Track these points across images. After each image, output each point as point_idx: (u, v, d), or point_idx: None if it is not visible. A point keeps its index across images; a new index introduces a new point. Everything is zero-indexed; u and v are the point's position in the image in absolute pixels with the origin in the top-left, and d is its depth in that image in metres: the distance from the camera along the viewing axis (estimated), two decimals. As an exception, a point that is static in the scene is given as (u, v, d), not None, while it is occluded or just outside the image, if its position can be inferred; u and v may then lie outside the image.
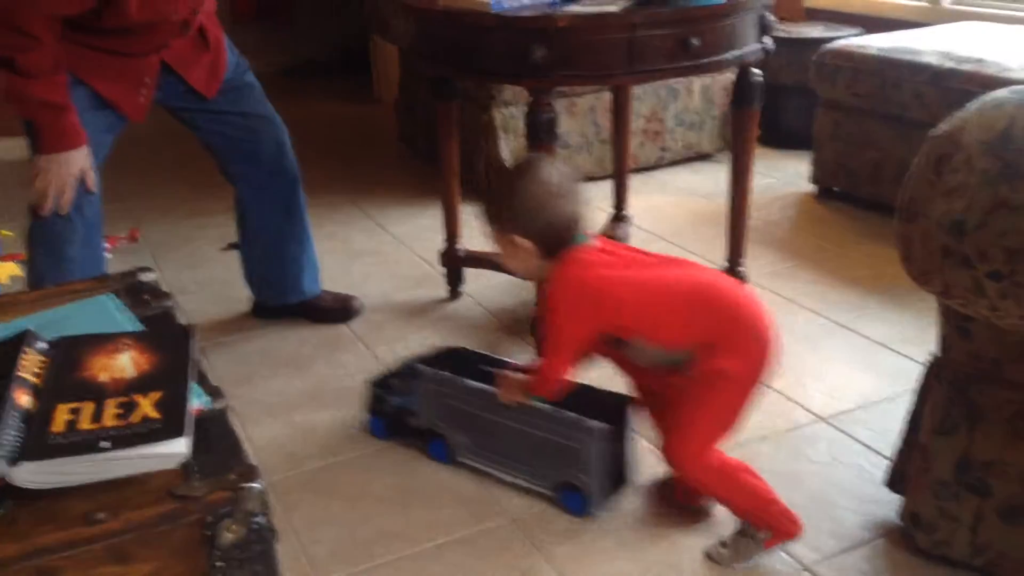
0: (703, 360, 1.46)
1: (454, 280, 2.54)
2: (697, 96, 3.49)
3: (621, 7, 1.90)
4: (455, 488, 1.75)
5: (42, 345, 0.82)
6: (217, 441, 0.78)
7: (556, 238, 1.53)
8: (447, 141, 2.42)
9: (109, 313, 0.95)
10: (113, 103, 2.02)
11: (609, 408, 1.66)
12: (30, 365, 0.78)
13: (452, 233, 2.48)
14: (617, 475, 1.69)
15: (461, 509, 1.69)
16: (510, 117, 3.22)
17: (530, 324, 2.21)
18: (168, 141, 3.40)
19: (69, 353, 0.81)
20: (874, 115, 2.89)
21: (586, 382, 1.70)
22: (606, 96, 3.29)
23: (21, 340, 0.81)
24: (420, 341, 2.30)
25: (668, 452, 1.52)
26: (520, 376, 1.64)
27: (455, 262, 2.50)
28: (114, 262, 2.65)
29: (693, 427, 1.48)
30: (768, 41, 2.10)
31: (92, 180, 1.99)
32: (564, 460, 1.64)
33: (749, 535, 1.52)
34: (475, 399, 1.72)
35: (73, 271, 2.03)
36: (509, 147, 3.25)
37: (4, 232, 2.61)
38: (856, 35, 3.39)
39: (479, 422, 1.73)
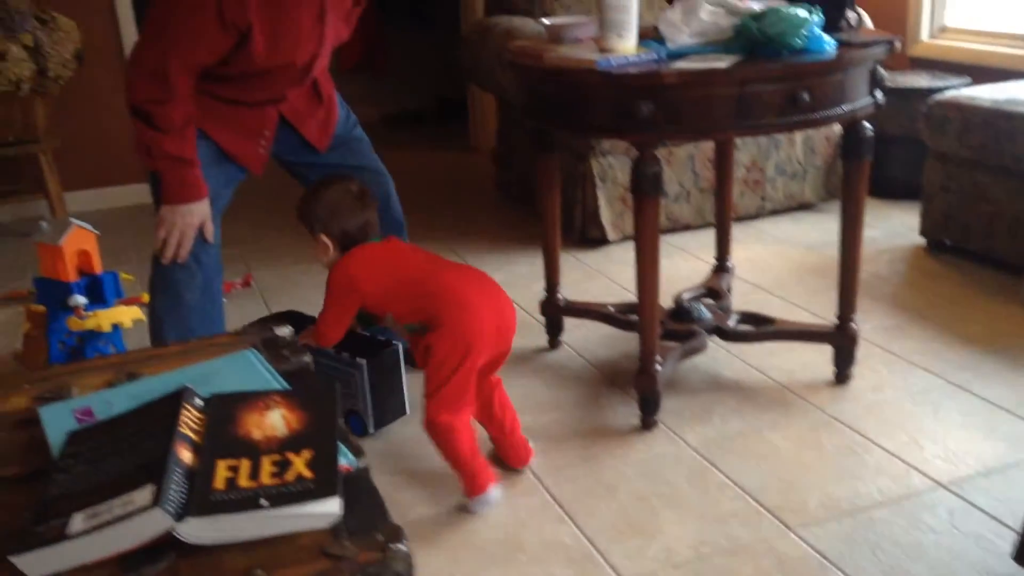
0: (426, 335, 1.84)
1: (554, 329, 2.55)
2: (799, 146, 3.45)
3: (729, 62, 1.90)
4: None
5: (199, 401, 0.87)
6: (363, 500, 0.80)
7: (351, 239, 1.99)
8: (548, 192, 2.45)
9: (255, 368, 0.99)
10: (235, 156, 2.11)
11: (379, 351, 2.15)
12: (189, 421, 0.82)
13: (552, 283, 2.50)
14: (396, 406, 2.19)
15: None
16: (608, 167, 3.25)
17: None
18: (276, 190, 3.52)
19: (224, 410, 0.85)
20: (987, 167, 2.81)
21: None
22: (705, 145, 3.28)
23: (180, 396, 0.85)
24: (520, 389, 2.32)
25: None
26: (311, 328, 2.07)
27: (555, 311, 2.51)
28: (229, 307, 2.74)
29: (430, 385, 1.83)
30: (879, 95, 2.07)
31: (210, 231, 2.08)
32: (347, 391, 2.13)
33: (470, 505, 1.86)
34: None
35: (191, 316, 2.12)
36: (606, 196, 3.27)
37: (125, 276, 2.74)
38: (963, 85, 3.32)
39: None
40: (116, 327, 2.56)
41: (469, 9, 4.65)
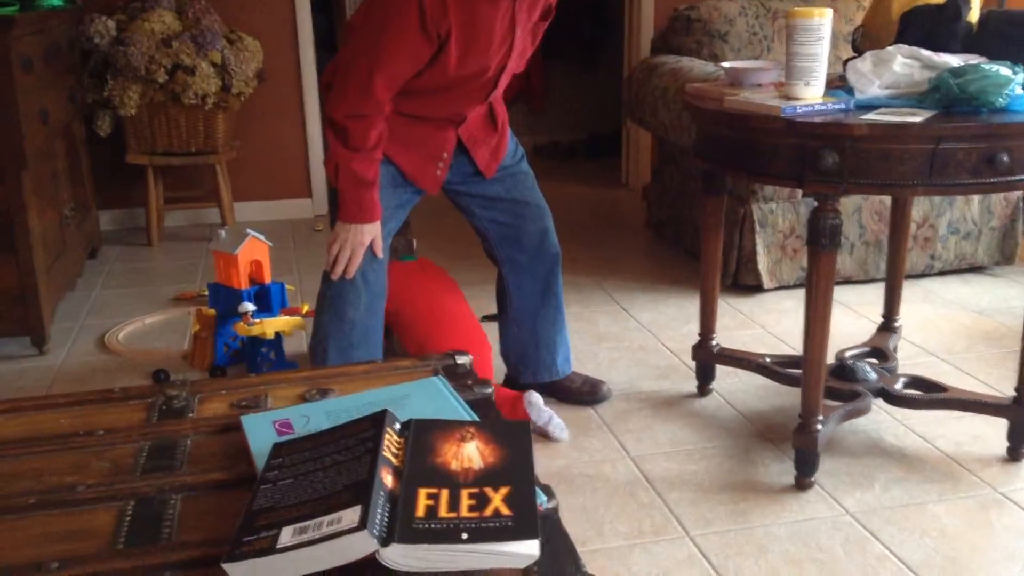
0: None
1: (705, 376, 2.50)
2: (975, 205, 3.28)
3: (923, 117, 1.82)
4: None
5: (398, 426, 0.88)
6: (554, 542, 0.79)
7: None
8: (711, 235, 2.40)
9: (444, 396, 1.00)
10: (413, 178, 2.17)
11: None
12: (390, 445, 0.84)
13: (708, 328, 2.44)
14: None
15: None
16: (768, 212, 3.17)
17: None
18: (429, 214, 3.59)
19: (422, 437, 0.86)
20: None
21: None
22: (874, 197, 3.16)
23: (382, 419, 0.87)
24: (668, 435, 2.27)
25: None
26: None
27: (708, 358, 2.46)
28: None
29: None
30: (1084, 158, 1.94)
31: (379, 250, 2.14)
32: None
33: None
34: None
35: (353, 332, 2.18)
36: (765, 242, 3.19)
37: (288, 287, 2.86)
38: None
39: None
40: (278, 335, 2.67)
41: (633, 48, 4.66)
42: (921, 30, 2.15)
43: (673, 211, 3.77)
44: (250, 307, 2.62)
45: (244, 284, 2.64)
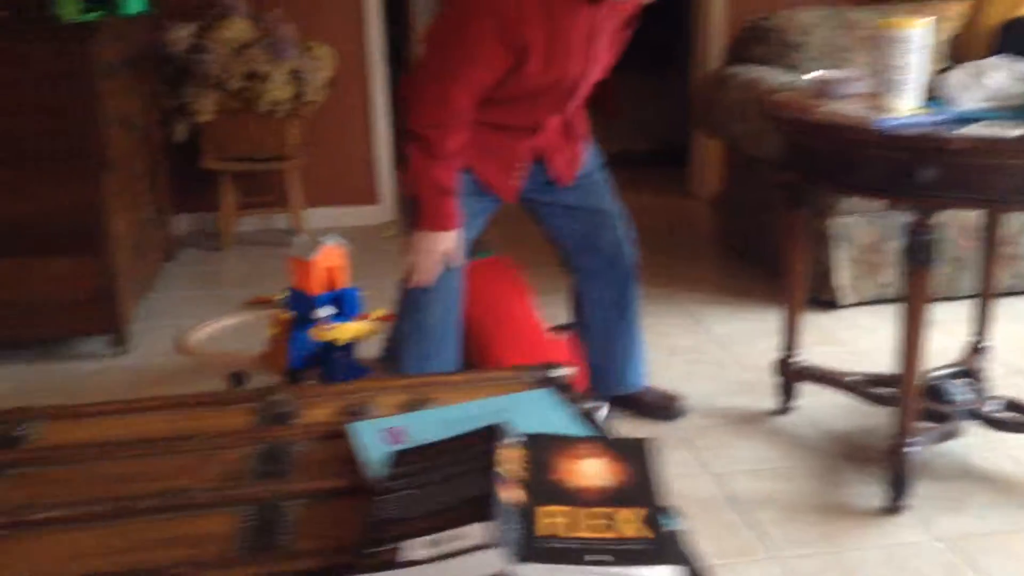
0: None
1: (787, 393, 2.44)
2: (1065, 222, 3.16)
3: (1022, 130, 1.76)
4: None
5: (513, 440, 0.86)
6: (688, 566, 0.76)
7: None
8: (793, 249, 2.35)
9: (554, 409, 0.98)
10: (492, 187, 2.16)
11: None
12: (508, 459, 0.82)
13: (791, 344, 2.38)
14: None
15: None
16: (848, 226, 3.10)
17: None
18: (498, 221, 3.59)
19: (540, 451, 0.84)
20: None
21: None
22: (962, 213, 3.07)
23: (496, 432, 0.85)
24: (749, 452, 2.22)
25: None
26: None
27: (791, 375, 2.40)
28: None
29: None
30: None
31: (458, 259, 2.13)
32: None
33: None
34: None
35: (430, 340, 2.17)
36: (844, 257, 3.11)
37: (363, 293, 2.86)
38: None
39: None
40: (352, 341, 2.68)
41: (702, 58, 4.61)
42: (1021, 41, 2.07)
43: (745, 222, 3.71)
44: (325, 313, 2.63)
45: (319, 290, 2.65)
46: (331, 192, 4.40)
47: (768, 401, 2.48)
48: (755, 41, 3.66)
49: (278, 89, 3.77)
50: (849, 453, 2.22)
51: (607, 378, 2.45)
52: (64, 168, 2.68)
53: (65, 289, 2.76)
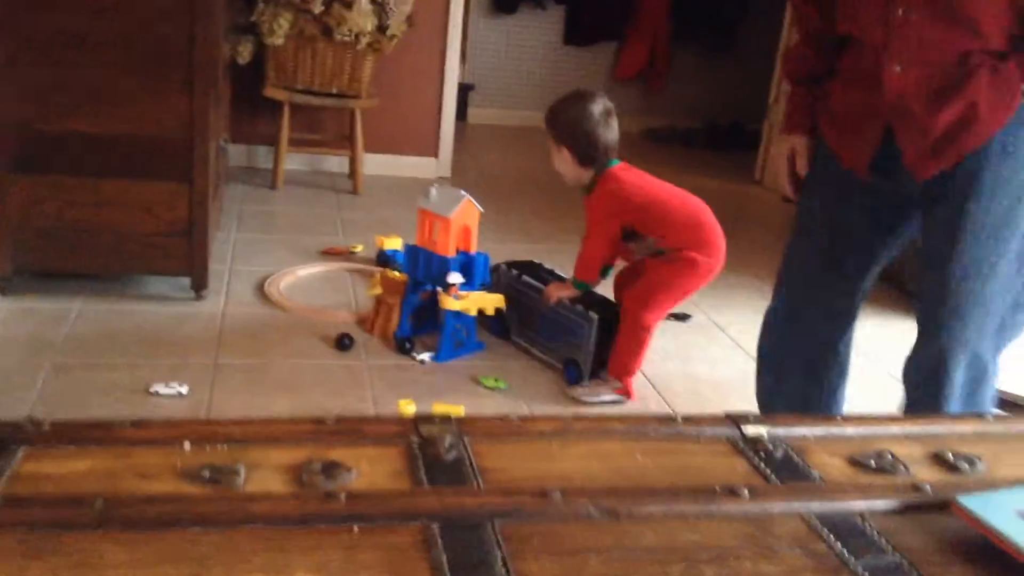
0: (682, 252, 2.16)
1: (971, 420, 2.21)
2: None
3: None
4: None
5: None
6: None
7: (591, 154, 2.21)
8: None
9: None
10: (837, 151, 1.55)
11: (607, 311, 2.27)
12: None
13: (986, 368, 2.16)
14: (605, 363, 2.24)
15: None
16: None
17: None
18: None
19: None
20: None
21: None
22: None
23: None
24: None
25: (631, 301, 2.22)
26: (565, 279, 2.36)
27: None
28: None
29: (658, 296, 2.19)
30: None
31: (801, 166, 1.64)
32: (572, 340, 2.28)
33: (604, 379, 2.23)
34: (527, 292, 2.41)
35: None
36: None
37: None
38: None
39: (525, 311, 2.42)
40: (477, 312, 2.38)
41: (793, 37, 4.34)
42: None
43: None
44: (459, 278, 2.32)
45: (452, 252, 2.34)
46: (390, 139, 4.04)
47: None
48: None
49: (362, 18, 3.39)
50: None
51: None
52: (171, 82, 2.30)
53: (152, 220, 2.39)
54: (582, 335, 2.26)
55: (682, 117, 5.66)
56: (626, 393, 2.24)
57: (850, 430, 0.84)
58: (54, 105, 2.25)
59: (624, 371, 2.22)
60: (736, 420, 0.81)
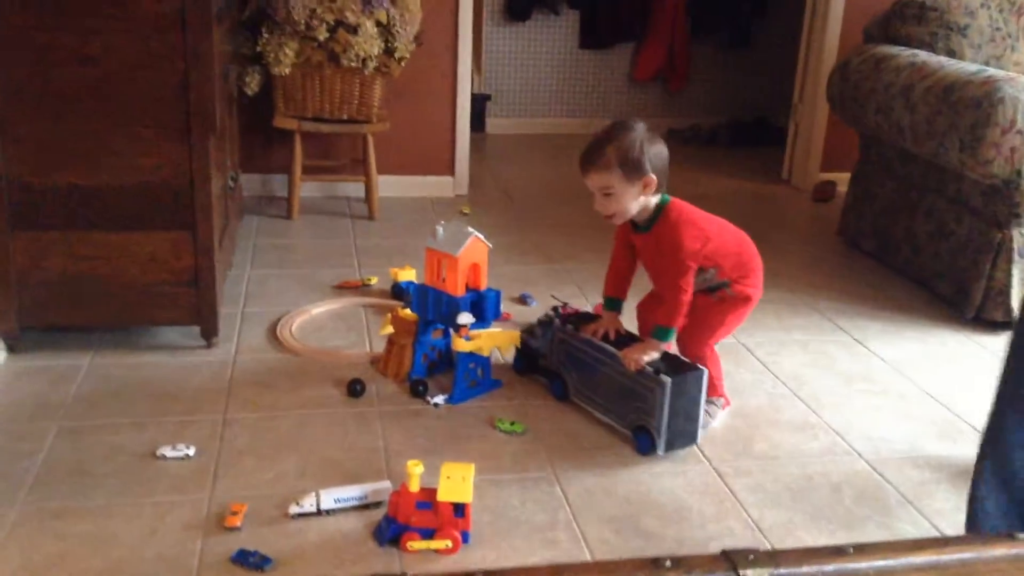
0: (736, 286, 2.14)
1: (1015, 443, 2.09)
2: None
3: None
4: None
5: None
6: None
7: (664, 183, 2.08)
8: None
9: None
10: None
11: (683, 371, 2.05)
12: None
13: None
14: (688, 431, 2.08)
15: None
16: (1033, 241, 2.76)
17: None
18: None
19: None
20: None
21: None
22: None
23: None
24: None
25: (688, 341, 2.18)
26: (649, 341, 2.11)
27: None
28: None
29: (713, 329, 2.19)
30: None
31: None
32: (641, 405, 2.05)
33: (712, 402, 2.20)
34: (590, 352, 2.19)
35: None
36: (1023, 274, 2.78)
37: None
38: None
39: (587, 369, 2.21)
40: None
41: (817, 33, 4.21)
42: None
43: (879, 223, 3.36)
44: (469, 319, 2.25)
45: (461, 291, 2.27)
46: (404, 160, 3.97)
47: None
48: (911, 19, 3.27)
49: (368, 42, 3.33)
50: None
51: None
52: (167, 129, 2.25)
53: (156, 269, 2.34)
54: (654, 401, 2.02)
55: (705, 116, 5.53)
56: (725, 400, 2.27)
57: (864, 565, 0.75)
58: (46, 159, 2.21)
59: (712, 390, 2.19)
60: (733, 560, 0.72)
